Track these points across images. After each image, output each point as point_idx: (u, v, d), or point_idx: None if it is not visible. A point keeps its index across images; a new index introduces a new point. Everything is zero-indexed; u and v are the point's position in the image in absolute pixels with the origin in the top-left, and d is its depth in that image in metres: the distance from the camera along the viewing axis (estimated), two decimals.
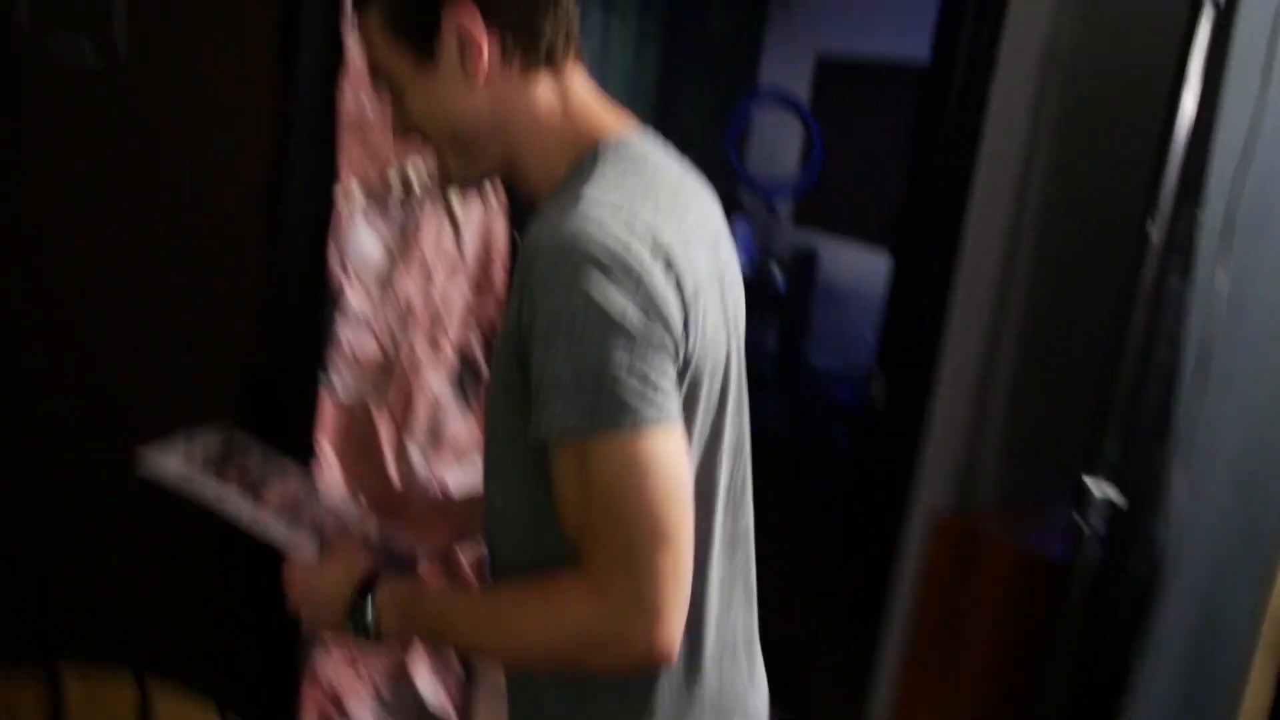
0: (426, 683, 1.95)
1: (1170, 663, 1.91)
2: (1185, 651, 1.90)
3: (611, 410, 0.91)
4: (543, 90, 1.07)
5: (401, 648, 1.90)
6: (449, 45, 1.04)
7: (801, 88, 7.09)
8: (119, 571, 1.85)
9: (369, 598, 1.07)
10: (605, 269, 0.91)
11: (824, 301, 6.72)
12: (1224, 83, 1.79)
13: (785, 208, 6.88)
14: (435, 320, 1.79)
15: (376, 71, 1.09)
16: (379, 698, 1.89)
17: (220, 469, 1.23)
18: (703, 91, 7.47)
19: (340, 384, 1.74)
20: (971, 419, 2.50)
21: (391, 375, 1.78)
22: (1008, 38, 2.33)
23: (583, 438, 0.93)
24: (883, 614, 2.56)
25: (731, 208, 6.14)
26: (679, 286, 0.95)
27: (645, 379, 0.92)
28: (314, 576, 1.14)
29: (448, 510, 1.40)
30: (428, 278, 1.74)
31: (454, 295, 1.81)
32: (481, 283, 1.75)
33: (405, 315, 1.75)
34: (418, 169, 1.71)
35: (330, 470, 1.74)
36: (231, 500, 1.19)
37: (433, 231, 1.74)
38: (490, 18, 1.03)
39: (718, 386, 1.06)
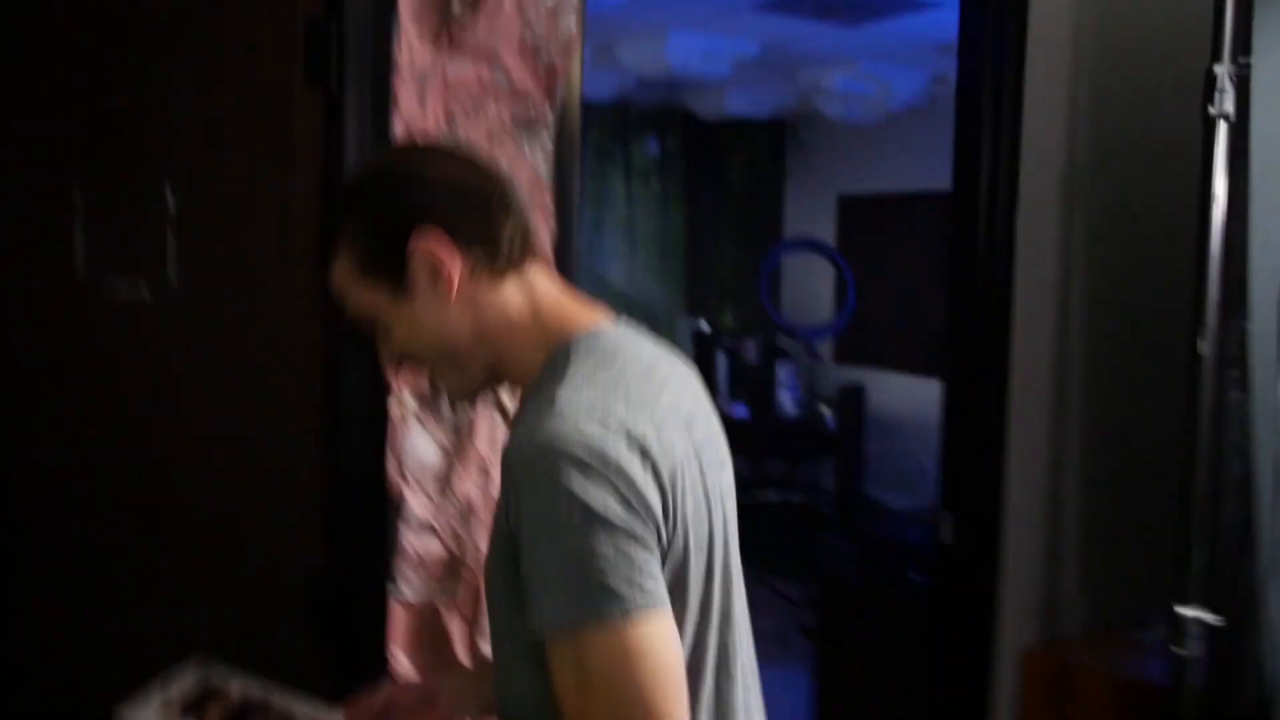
0: None
1: None
2: None
3: (600, 601, 0.95)
4: (510, 293, 1.15)
5: None
6: (420, 273, 1.11)
7: (826, 227, 7.20)
8: None
9: None
10: (584, 466, 0.96)
11: (876, 434, 6.67)
12: (1249, 192, 1.81)
13: (826, 347, 6.90)
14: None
15: (356, 315, 1.16)
16: None
17: (200, 710, 1.23)
18: (731, 243, 7.60)
19: (408, 587, 1.74)
20: (1046, 547, 2.45)
21: (459, 574, 1.78)
22: (1026, 158, 2.37)
23: (575, 629, 0.97)
24: None
25: (774, 355, 6.16)
26: (656, 474, 1.00)
27: (631, 567, 0.96)
28: None
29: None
30: (485, 474, 1.76)
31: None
32: None
33: (467, 513, 1.76)
34: None
35: (406, 675, 1.73)
36: None
37: (486, 428, 1.77)
38: (454, 238, 1.11)
39: (703, 561, 1.09)
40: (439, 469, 1.73)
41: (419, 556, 1.73)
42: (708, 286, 7.54)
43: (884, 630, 3.85)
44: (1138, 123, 2.43)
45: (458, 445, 1.74)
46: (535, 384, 1.12)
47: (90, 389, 1.98)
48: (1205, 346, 1.76)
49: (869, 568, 4.26)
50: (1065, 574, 2.46)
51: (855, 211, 7.05)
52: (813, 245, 6.25)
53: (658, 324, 7.38)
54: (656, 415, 1.04)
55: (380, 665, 1.71)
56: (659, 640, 0.98)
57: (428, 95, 1.60)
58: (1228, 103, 1.78)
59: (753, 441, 6.01)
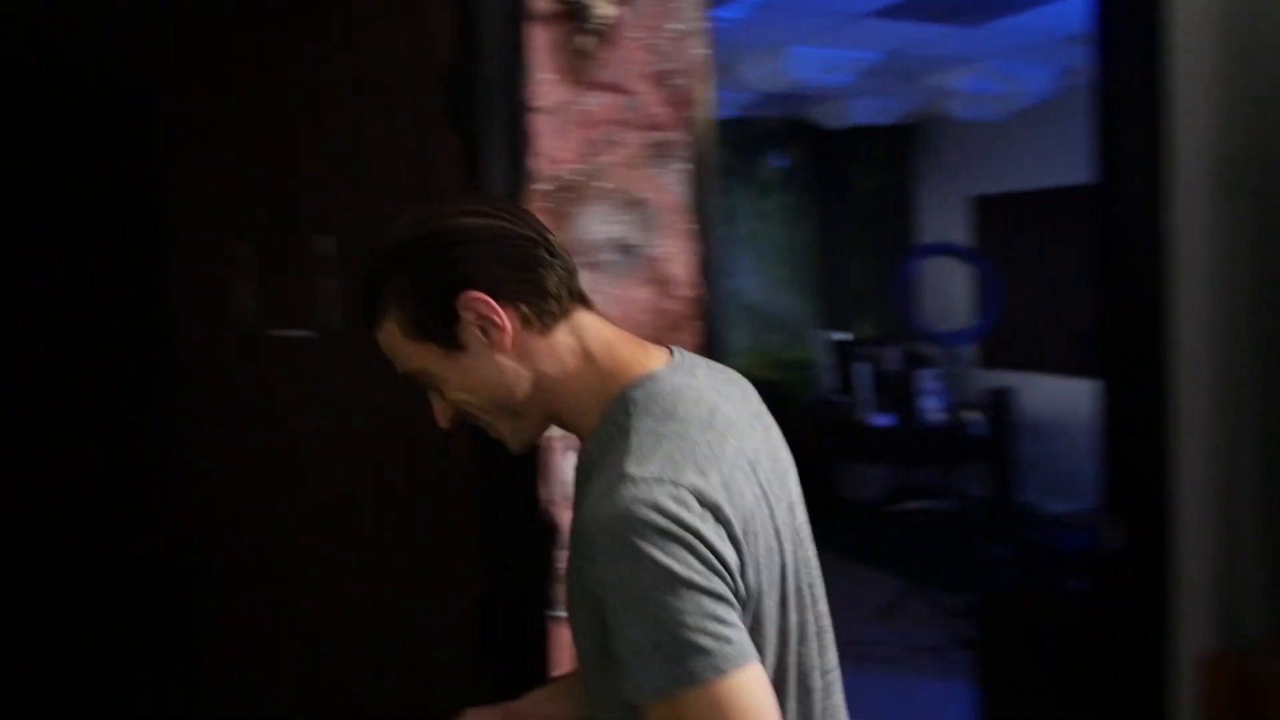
0: None
1: None
2: None
3: (692, 665, 0.98)
4: (562, 339, 1.16)
5: None
6: (471, 330, 1.13)
7: (960, 229, 7.06)
8: None
9: None
10: (661, 532, 0.99)
11: (1026, 438, 6.49)
12: None
13: (968, 351, 6.75)
14: None
15: (408, 372, 1.18)
16: None
17: None
18: (863, 252, 7.52)
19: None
20: (1222, 548, 2.34)
21: None
22: (1179, 147, 2.29)
23: (671, 695, 0.99)
24: None
25: (916, 362, 6.06)
26: (730, 532, 1.03)
27: (718, 625, 0.99)
28: None
29: None
30: None
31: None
32: None
33: None
34: None
35: None
36: None
37: None
38: (501, 292, 1.12)
39: (777, 594, 1.12)
40: None
41: None
42: (843, 296, 7.47)
43: (1049, 640, 3.73)
44: None
45: None
46: (598, 439, 1.14)
47: (260, 426, 2.08)
48: None
49: (1028, 575, 4.16)
50: (1244, 576, 2.34)
51: (990, 211, 6.90)
52: (950, 249, 6.13)
53: (794, 336, 7.34)
54: (724, 469, 1.06)
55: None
56: (751, 691, 1.01)
57: (564, 130, 1.63)
58: None
59: (898, 450, 5.92)
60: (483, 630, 1.76)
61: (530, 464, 1.73)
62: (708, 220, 1.75)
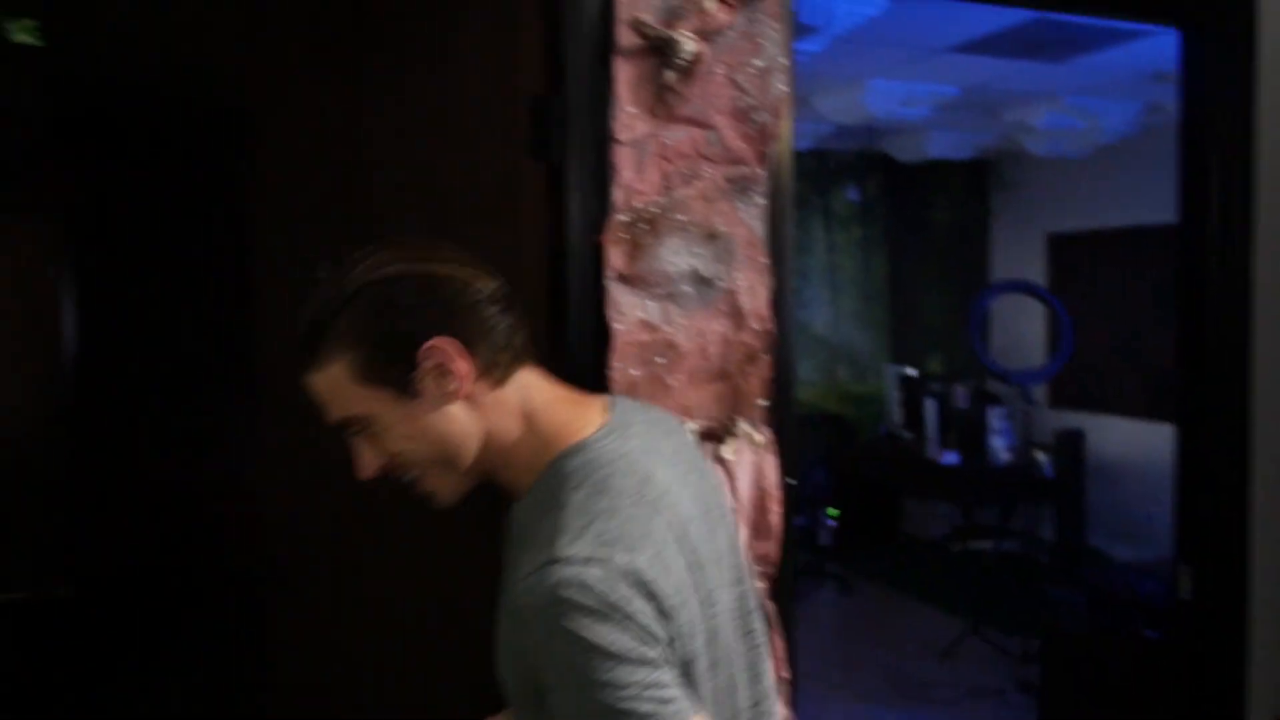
0: None
1: None
2: None
3: None
4: (510, 393, 1.18)
5: None
6: (427, 377, 1.13)
7: (1035, 267, 6.98)
8: None
9: None
10: (592, 612, 1.01)
11: (1096, 481, 6.37)
12: None
13: (1040, 391, 6.66)
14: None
15: (343, 423, 1.17)
16: None
17: None
18: (936, 287, 7.46)
19: None
20: None
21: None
22: (1265, 185, 2.26)
23: None
24: None
25: (985, 400, 5.99)
26: (659, 607, 1.05)
27: (657, 690, 1.02)
28: None
29: None
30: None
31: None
32: (760, 525, 1.78)
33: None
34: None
35: None
36: None
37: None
38: (460, 340, 1.13)
39: (707, 659, 1.15)
40: None
41: None
42: (913, 331, 7.42)
43: (1116, 688, 3.66)
44: None
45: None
46: (529, 506, 1.16)
47: (335, 446, 2.13)
48: None
49: (1096, 622, 4.07)
50: None
51: (1066, 250, 6.82)
52: (1025, 287, 6.05)
53: (863, 370, 7.30)
54: (654, 542, 1.08)
55: None
56: None
57: (645, 163, 1.66)
58: None
59: (964, 489, 5.85)
60: None
61: None
62: (781, 253, 1.76)
